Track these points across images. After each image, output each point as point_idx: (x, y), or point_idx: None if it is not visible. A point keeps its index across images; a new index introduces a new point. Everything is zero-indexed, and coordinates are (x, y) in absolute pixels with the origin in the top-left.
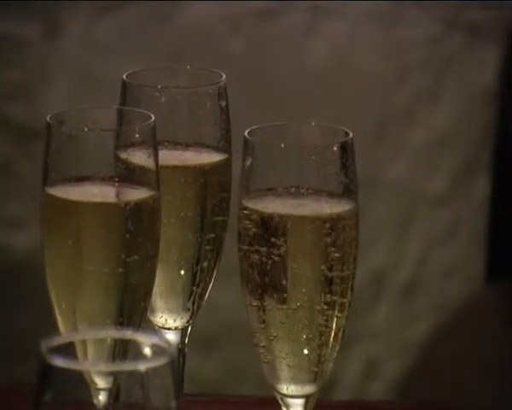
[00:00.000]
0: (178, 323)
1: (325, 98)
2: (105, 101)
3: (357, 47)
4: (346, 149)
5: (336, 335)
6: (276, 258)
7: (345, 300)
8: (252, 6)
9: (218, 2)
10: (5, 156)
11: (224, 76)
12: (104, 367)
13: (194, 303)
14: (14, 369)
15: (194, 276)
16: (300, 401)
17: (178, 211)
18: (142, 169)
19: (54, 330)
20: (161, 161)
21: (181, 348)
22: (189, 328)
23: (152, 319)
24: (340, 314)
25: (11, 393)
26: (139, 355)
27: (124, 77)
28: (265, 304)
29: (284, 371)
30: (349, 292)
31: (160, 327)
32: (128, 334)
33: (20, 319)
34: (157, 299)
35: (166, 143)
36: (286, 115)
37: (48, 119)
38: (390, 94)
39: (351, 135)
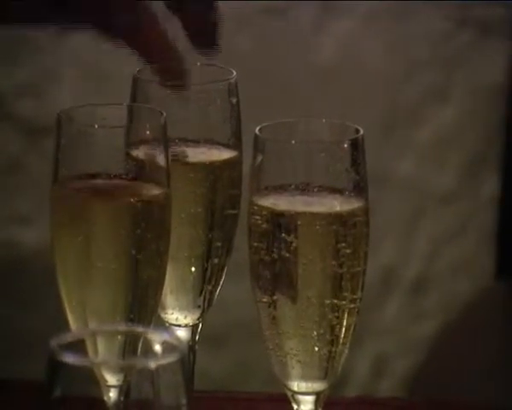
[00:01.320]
0: (189, 320)
1: (333, 96)
2: (114, 98)
3: (366, 44)
4: (356, 145)
5: (347, 331)
6: (287, 254)
7: (355, 296)
8: (259, 4)
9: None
10: (14, 153)
11: (235, 72)
12: (114, 364)
13: (204, 300)
14: (23, 366)
15: (204, 273)
16: (311, 398)
17: (189, 208)
18: (153, 166)
19: (62, 326)
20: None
21: (191, 345)
22: (200, 325)
23: (162, 315)
24: (350, 310)
25: (19, 389)
26: (149, 352)
27: (135, 73)
28: (276, 300)
29: (294, 367)
30: (359, 288)
31: (170, 324)
32: (138, 331)
33: (28, 316)
34: (167, 296)
35: (177, 140)
36: (294, 112)
37: (58, 114)
38: (398, 91)
39: (361, 132)
